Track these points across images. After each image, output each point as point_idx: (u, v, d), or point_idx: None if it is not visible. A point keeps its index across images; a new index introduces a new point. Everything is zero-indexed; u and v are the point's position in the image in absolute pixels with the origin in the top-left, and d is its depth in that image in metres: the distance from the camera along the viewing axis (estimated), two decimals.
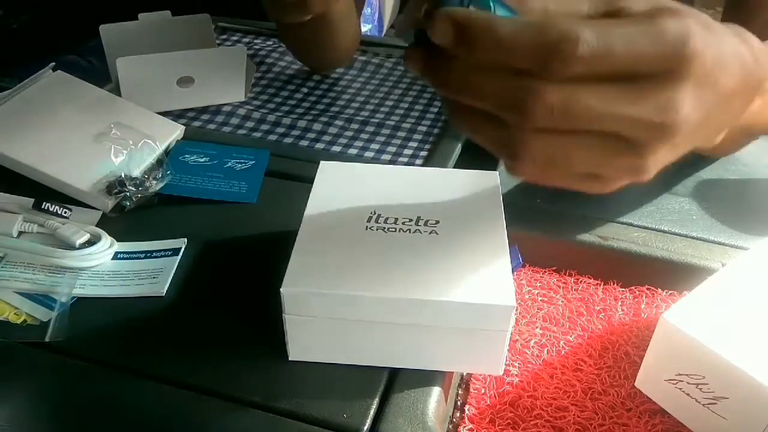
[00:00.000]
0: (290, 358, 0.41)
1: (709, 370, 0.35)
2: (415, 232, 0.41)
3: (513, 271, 0.38)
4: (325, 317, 0.38)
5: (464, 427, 0.38)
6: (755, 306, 0.38)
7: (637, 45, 0.27)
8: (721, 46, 0.30)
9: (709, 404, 0.36)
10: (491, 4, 0.28)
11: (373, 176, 0.47)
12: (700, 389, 0.36)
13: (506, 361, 0.42)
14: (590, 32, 0.26)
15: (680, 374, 0.37)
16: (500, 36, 0.26)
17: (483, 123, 0.29)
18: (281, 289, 0.37)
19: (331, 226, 0.42)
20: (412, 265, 0.38)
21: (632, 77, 0.28)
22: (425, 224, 0.42)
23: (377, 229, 0.41)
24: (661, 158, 0.30)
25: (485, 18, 0.27)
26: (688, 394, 0.37)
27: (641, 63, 0.27)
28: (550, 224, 0.51)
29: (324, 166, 0.47)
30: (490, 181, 0.46)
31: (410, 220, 0.42)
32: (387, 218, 0.42)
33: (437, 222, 0.42)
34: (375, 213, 0.42)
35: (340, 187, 0.45)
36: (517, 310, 0.37)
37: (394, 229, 0.41)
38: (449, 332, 0.38)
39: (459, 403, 0.40)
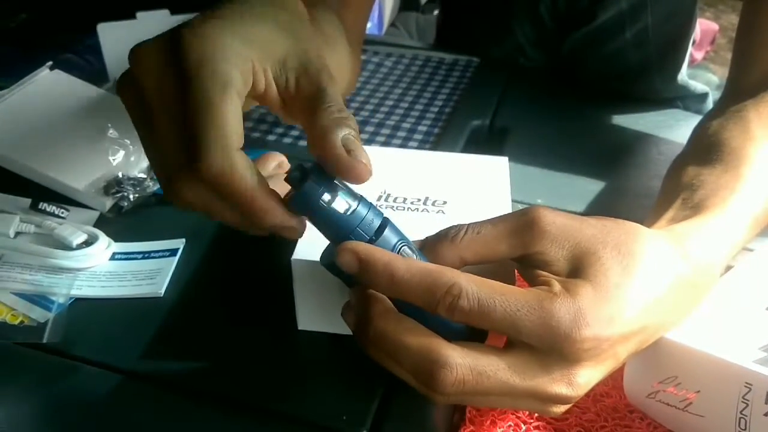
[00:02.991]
0: (299, 328, 0.42)
1: (678, 366, 0.35)
2: (423, 211, 0.42)
3: None
4: (332, 288, 0.39)
5: (465, 429, 0.38)
6: (741, 305, 0.37)
7: (516, 321, 0.29)
8: (635, 309, 0.31)
9: (686, 407, 0.35)
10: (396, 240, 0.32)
11: (384, 158, 0.48)
12: (676, 393, 0.36)
13: None
14: (473, 290, 0.29)
15: (654, 386, 0.36)
16: (395, 278, 0.30)
17: (398, 372, 0.32)
18: (291, 259, 0.38)
19: None
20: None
21: (532, 348, 0.30)
22: (433, 204, 0.43)
23: (386, 207, 0.42)
24: (563, 408, 0.33)
25: (384, 259, 0.30)
26: (667, 404, 0.36)
27: (523, 337, 0.30)
28: None
29: None
30: (498, 166, 0.47)
31: (419, 200, 0.43)
32: (396, 197, 0.43)
33: (445, 202, 0.43)
34: (385, 192, 0.44)
35: None
36: None
37: (402, 208, 0.42)
38: None
39: (459, 404, 0.40)
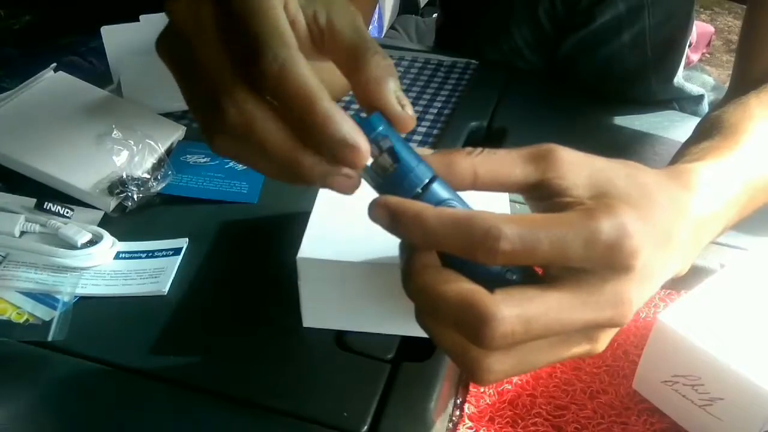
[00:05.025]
0: (304, 325, 0.42)
1: (705, 372, 0.36)
2: None
3: None
4: (337, 286, 0.40)
5: (463, 425, 0.39)
6: (753, 308, 0.38)
7: (566, 247, 0.28)
8: (661, 221, 0.31)
9: (704, 405, 0.36)
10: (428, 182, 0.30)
11: None
12: (696, 390, 0.36)
13: None
14: (513, 229, 0.27)
15: (676, 375, 0.37)
16: (427, 228, 0.28)
17: (445, 333, 0.30)
18: (297, 257, 0.39)
19: (344, 202, 0.43)
20: None
21: (576, 271, 0.29)
22: None
23: None
24: (611, 336, 0.32)
25: (414, 209, 0.29)
26: (684, 396, 0.37)
27: (574, 262, 0.28)
28: None
29: None
30: None
31: None
32: None
33: None
34: None
35: None
36: None
37: None
38: None
39: (458, 401, 0.40)
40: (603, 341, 0.32)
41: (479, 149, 0.32)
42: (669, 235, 0.32)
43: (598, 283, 0.29)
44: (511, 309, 0.28)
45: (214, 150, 0.30)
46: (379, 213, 0.29)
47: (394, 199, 0.29)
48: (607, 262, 0.29)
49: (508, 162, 0.31)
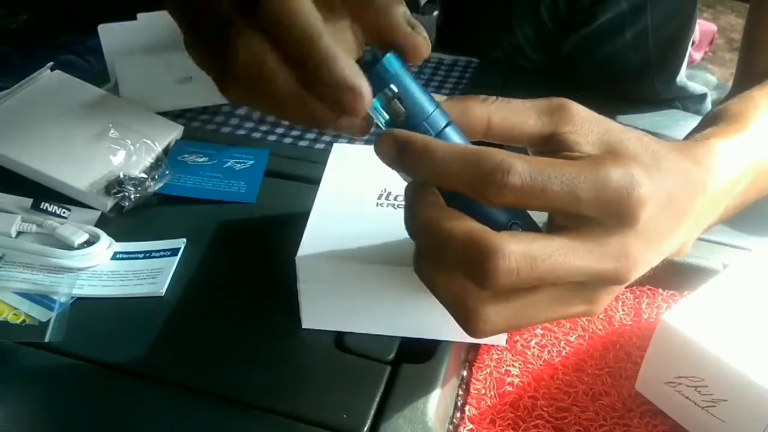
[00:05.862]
0: (303, 326, 0.42)
1: (708, 372, 0.35)
2: None
3: None
4: (337, 286, 0.40)
5: (464, 427, 0.38)
6: (756, 308, 0.37)
7: (575, 189, 0.27)
8: (669, 185, 0.31)
9: (708, 407, 0.36)
10: (440, 122, 0.29)
11: None
12: (699, 392, 0.36)
13: (506, 361, 0.42)
14: (524, 165, 0.27)
15: (679, 377, 0.37)
16: (435, 159, 0.28)
17: (444, 279, 0.29)
18: (296, 257, 0.39)
19: (344, 202, 0.44)
20: None
21: (582, 221, 0.29)
22: None
23: (387, 206, 0.43)
24: (611, 297, 0.31)
25: (423, 140, 0.28)
26: (687, 397, 0.37)
27: (582, 206, 0.28)
28: None
29: (337, 147, 0.49)
30: None
31: None
32: (396, 196, 0.44)
33: None
34: (385, 191, 0.44)
35: (352, 166, 0.47)
36: None
37: (402, 206, 0.42)
38: None
39: (459, 403, 0.40)
40: (602, 302, 0.31)
41: (494, 97, 0.31)
42: (675, 200, 0.31)
43: (604, 234, 0.29)
44: (517, 246, 0.27)
45: (226, 96, 0.29)
46: (385, 145, 0.28)
47: (403, 131, 0.28)
48: (614, 210, 0.28)
49: (523, 112, 0.31)
